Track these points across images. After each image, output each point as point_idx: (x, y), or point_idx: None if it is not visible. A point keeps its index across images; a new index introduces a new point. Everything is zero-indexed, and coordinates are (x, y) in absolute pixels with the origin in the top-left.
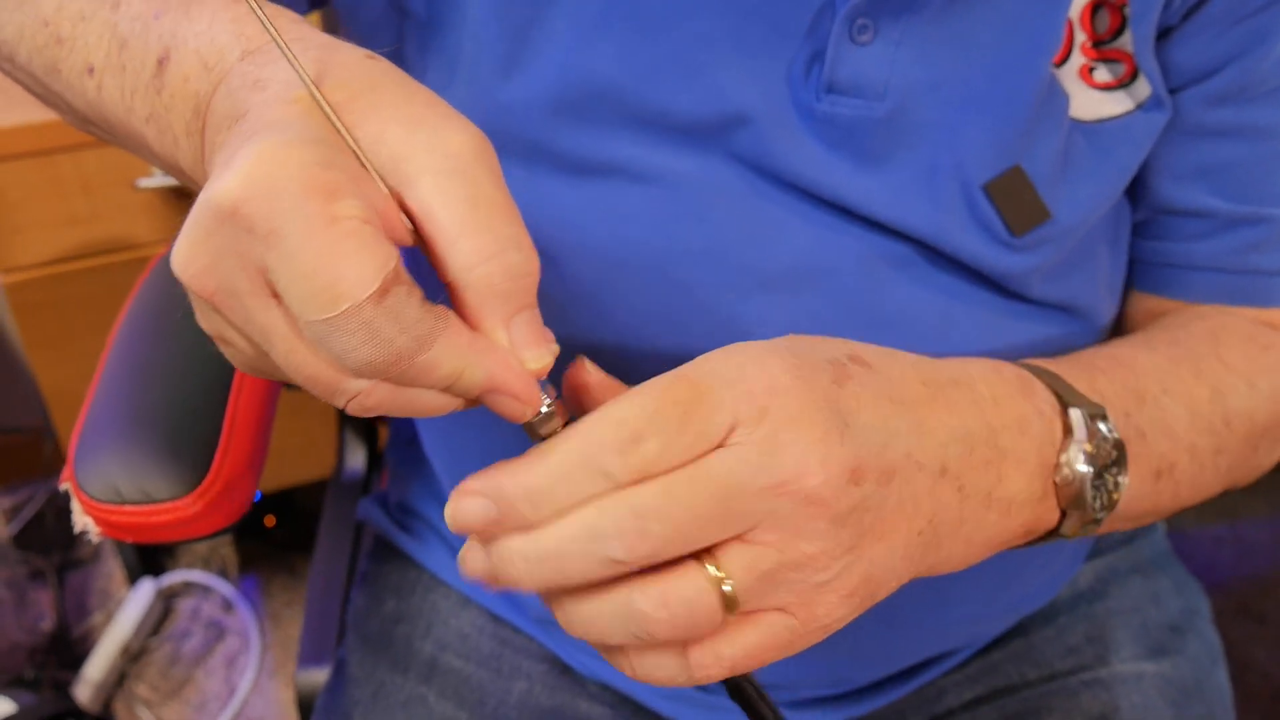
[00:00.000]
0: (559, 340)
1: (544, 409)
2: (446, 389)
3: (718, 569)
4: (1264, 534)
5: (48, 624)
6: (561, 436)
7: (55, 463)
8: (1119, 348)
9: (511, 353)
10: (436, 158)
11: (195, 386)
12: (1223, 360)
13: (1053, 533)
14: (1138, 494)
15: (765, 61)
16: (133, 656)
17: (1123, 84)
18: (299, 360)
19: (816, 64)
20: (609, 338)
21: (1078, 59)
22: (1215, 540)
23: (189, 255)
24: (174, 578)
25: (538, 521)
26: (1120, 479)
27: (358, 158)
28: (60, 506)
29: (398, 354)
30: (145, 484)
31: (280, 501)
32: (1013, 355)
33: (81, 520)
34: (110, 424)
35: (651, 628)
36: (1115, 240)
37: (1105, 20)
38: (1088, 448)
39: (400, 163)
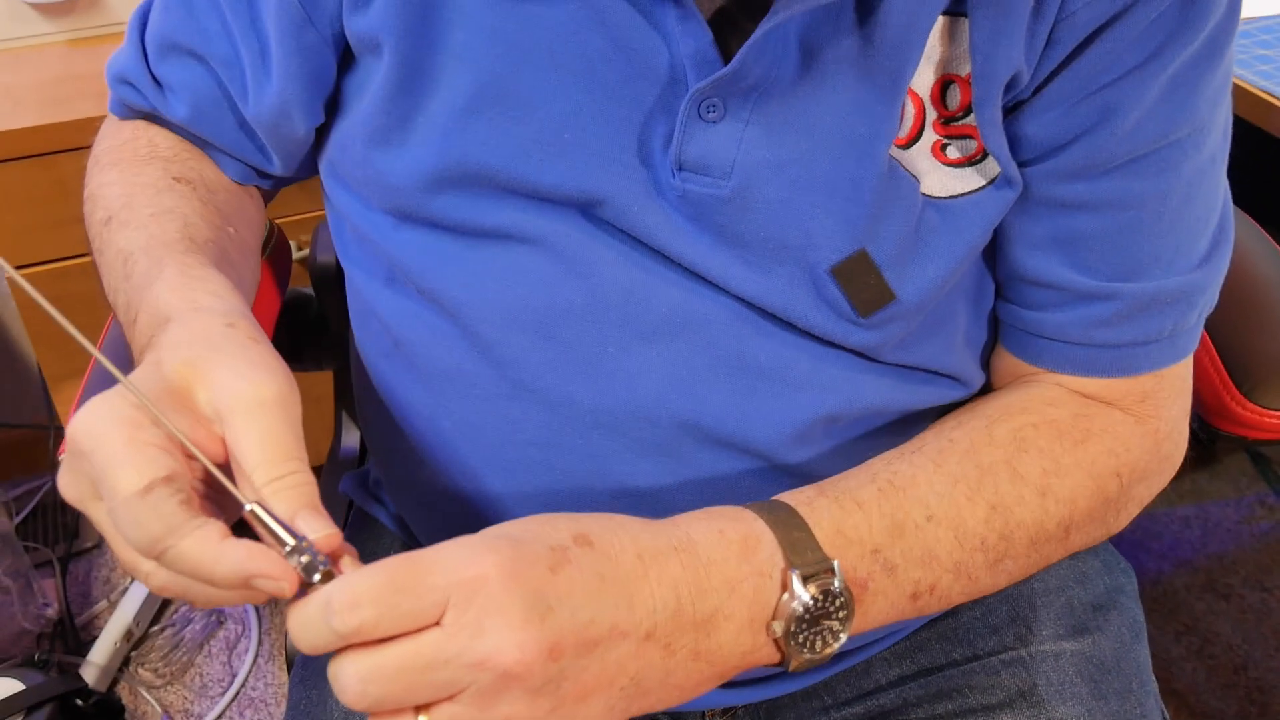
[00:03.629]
0: (469, 387)
1: (316, 577)
2: (210, 580)
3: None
4: (1229, 514)
5: (53, 611)
6: (313, 595)
7: (58, 457)
8: (906, 464)
9: (266, 550)
10: (245, 403)
11: None
12: (1016, 472)
13: (780, 665)
14: (891, 614)
15: (625, 139)
16: (136, 642)
17: (973, 161)
18: (115, 546)
19: (669, 142)
20: (504, 389)
21: (930, 136)
22: (1183, 520)
23: (61, 475)
24: None
25: (303, 650)
26: (842, 631)
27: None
28: (63, 498)
29: (154, 538)
30: None
31: None
32: (884, 410)
33: None
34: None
35: None
36: (977, 301)
37: (956, 96)
38: (804, 602)
39: (219, 405)
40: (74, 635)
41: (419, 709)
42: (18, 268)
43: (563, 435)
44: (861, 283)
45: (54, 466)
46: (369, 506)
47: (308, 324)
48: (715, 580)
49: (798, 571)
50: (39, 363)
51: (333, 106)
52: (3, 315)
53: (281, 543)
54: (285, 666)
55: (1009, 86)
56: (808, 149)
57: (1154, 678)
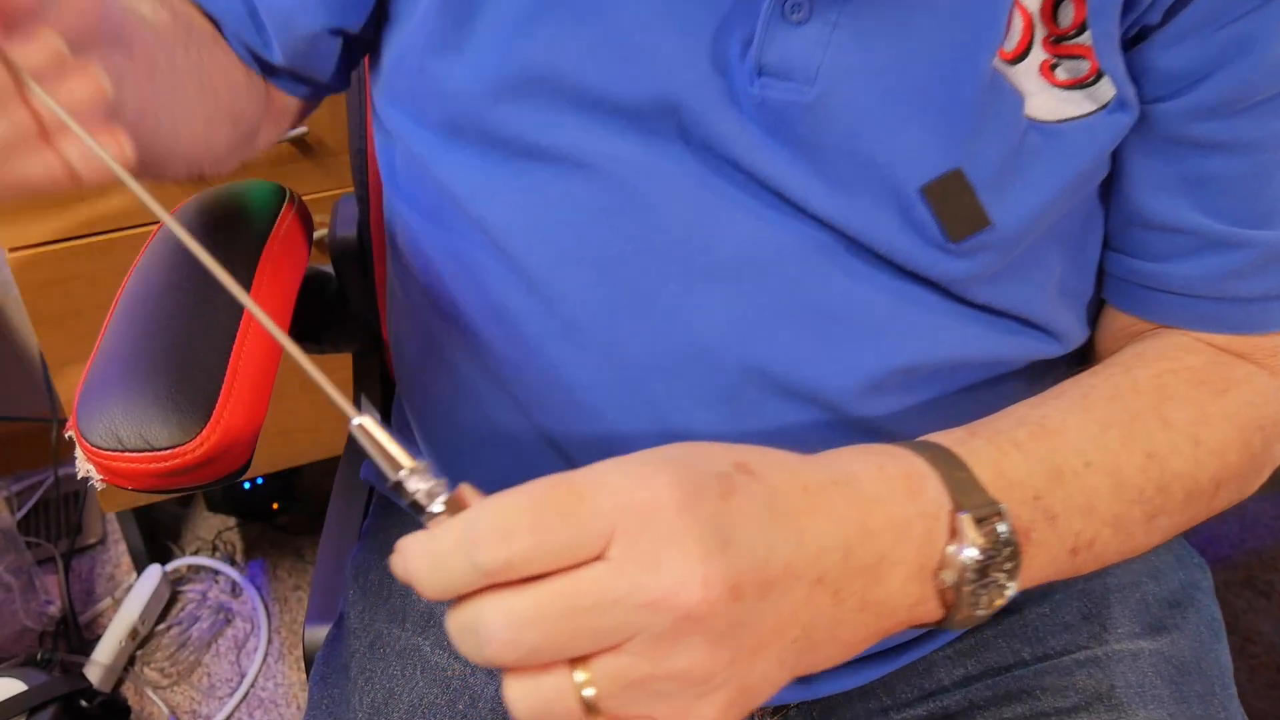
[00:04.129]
0: (515, 325)
1: (439, 505)
2: None
3: (585, 674)
4: (1268, 509)
5: (56, 609)
6: (448, 523)
7: (61, 450)
8: (1052, 408)
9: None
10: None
11: (198, 337)
12: (1165, 418)
13: (939, 624)
14: (1049, 571)
15: (699, 41)
16: (141, 641)
17: (1084, 84)
18: None
19: (749, 45)
20: (553, 327)
21: (1039, 54)
22: (1219, 517)
23: None
24: (181, 563)
25: (433, 597)
26: (1009, 582)
27: None
28: (66, 493)
29: None
30: (146, 431)
31: (285, 486)
32: (967, 361)
33: (84, 467)
34: (114, 372)
35: (514, 711)
36: (1078, 250)
37: (1069, 13)
38: (975, 548)
39: None
40: (77, 634)
41: (574, 662)
42: (16, 249)
43: (615, 379)
44: (955, 204)
45: (57, 461)
46: (391, 494)
47: (327, 303)
48: (881, 520)
49: (968, 514)
50: (42, 353)
51: (382, 18)
52: (4, 307)
53: (394, 464)
54: (300, 665)
55: (1131, 2)
56: (901, 55)
57: (1234, 682)
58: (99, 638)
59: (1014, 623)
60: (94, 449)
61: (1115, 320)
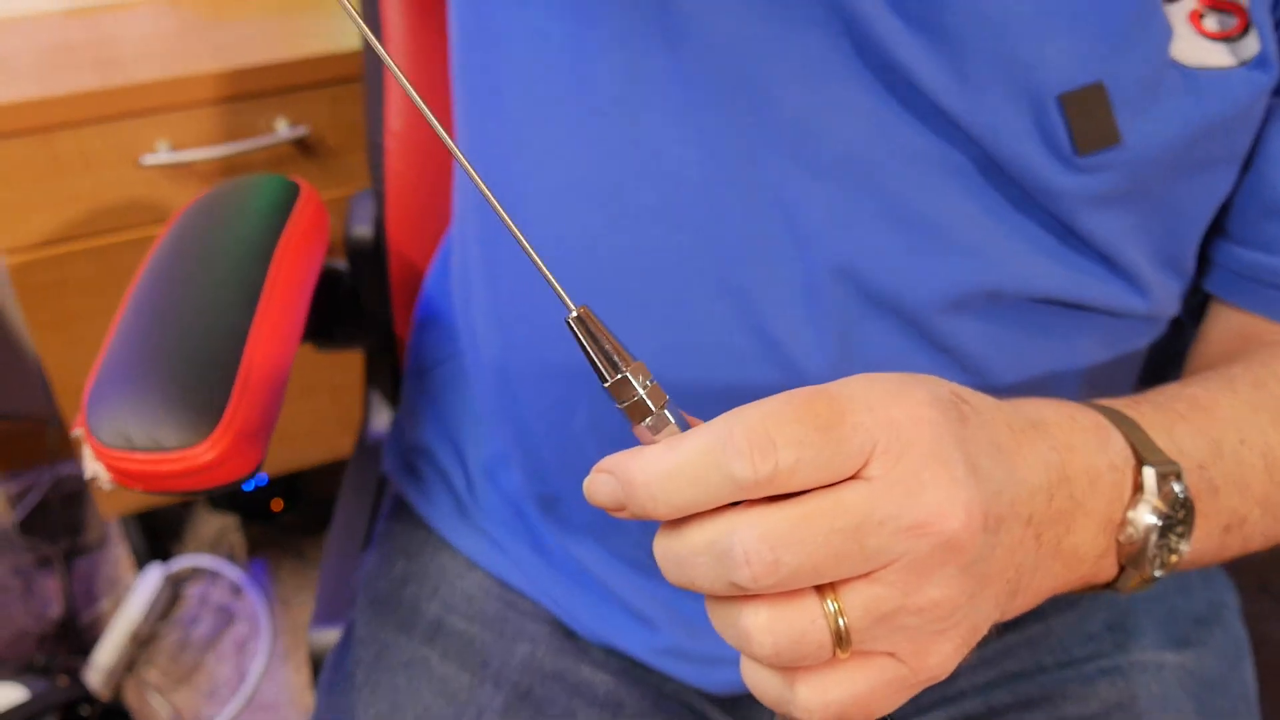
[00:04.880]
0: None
1: (661, 416)
2: None
3: (836, 604)
4: None
5: (55, 611)
6: (693, 432)
7: (60, 449)
8: (1200, 388)
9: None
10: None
11: (211, 336)
12: None
13: (1108, 586)
14: (1204, 547)
15: None
16: (142, 642)
17: (1230, 38)
18: None
19: None
20: (653, 200)
21: (1191, 2)
22: None
23: None
24: (182, 563)
25: (661, 515)
26: (1183, 543)
27: None
28: (66, 493)
29: None
30: (156, 431)
31: (288, 486)
32: (1049, 297)
33: (92, 467)
34: (123, 371)
35: (753, 649)
36: (1186, 221)
37: None
38: (1158, 507)
39: None
40: (77, 636)
41: (822, 589)
42: (18, 249)
43: (704, 263)
44: (1090, 118)
45: (55, 459)
46: (407, 489)
47: (339, 300)
48: (1077, 467)
49: (1153, 469)
50: (40, 353)
51: None
52: (1, 305)
53: (612, 364)
54: (302, 668)
55: None
56: None
57: (1259, 703)
58: (99, 639)
59: (1038, 631)
60: (103, 448)
61: (1228, 321)
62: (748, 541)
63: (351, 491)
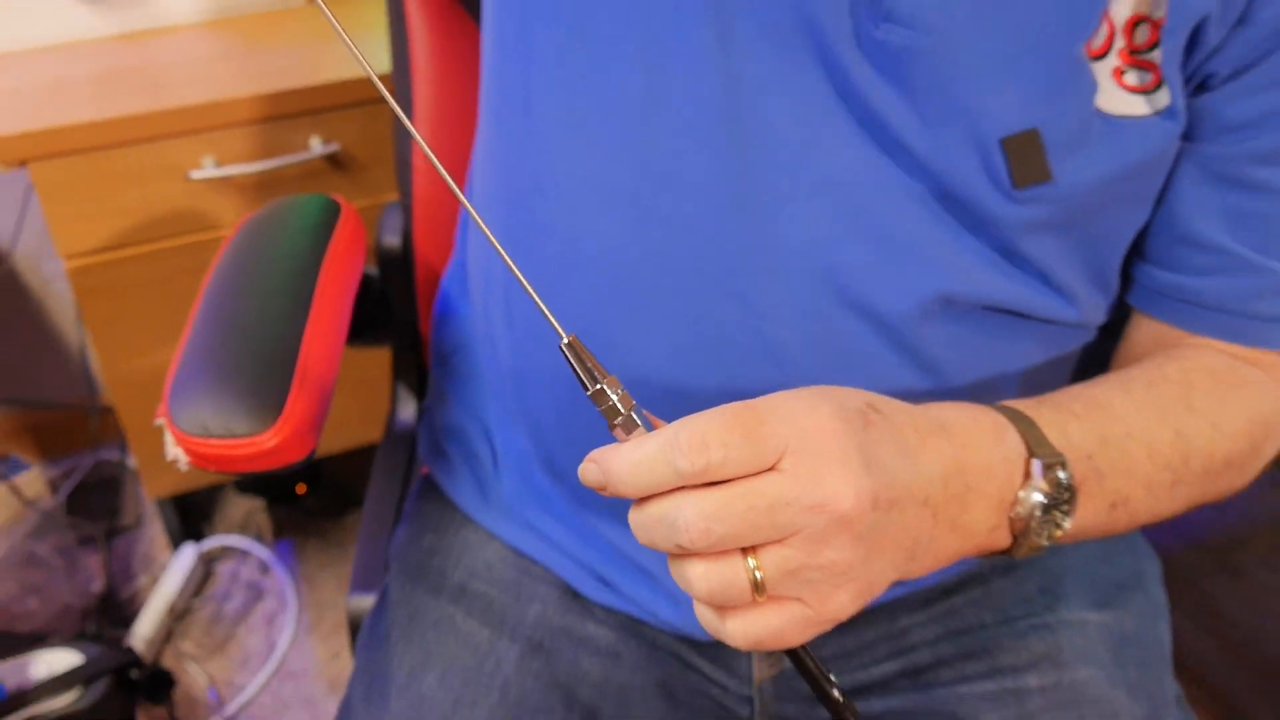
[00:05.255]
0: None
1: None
2: None
3: (755, 561)
4: (1242, 495)
5: (97, 586)
6: (650, 435)
7: (101, 435)
8: (1100, 388)
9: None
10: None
11: (271, 339)
12: (1191, 405)
13: (1006, 551)
14: (1093, 521)
15: None
16: (178, 615)
17: (1147, 91)
18: None
19: None
20: (666, 204)
21: (1114, 60)
22: None
23: None
24: (214, 542)
25: (629, 492)
26: (1066, 520)
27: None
28: (105, 476)
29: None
30: (229, 421)
31: (311, 472)
32: (996, 302)
33: (173, 451)
34: (199, 370)
35: (694, 592)
36: (1109, 246)
37: (1144, 33)
38: (1043, 490)
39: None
40: (118, 610)
41: (745, 551)
42: (77, 254)
43: (710, 268)
44: (1026, 158)
45: (95, 445)
46: (435, 470)
47: (370, 302)
48: (973, 460)
49: (1040, 461)
50: (81, 345)
51: None
52: (45, 300)
53: (592, 378)
54: (326, 639)
55: (1199, 33)
56: (1005, 24)
57: (1172, 658)
58: (138, 613)
59: (980, 594)
60: (183, 435)
61: (1145, 329)
62: (687, 515)
63: (381, 475)
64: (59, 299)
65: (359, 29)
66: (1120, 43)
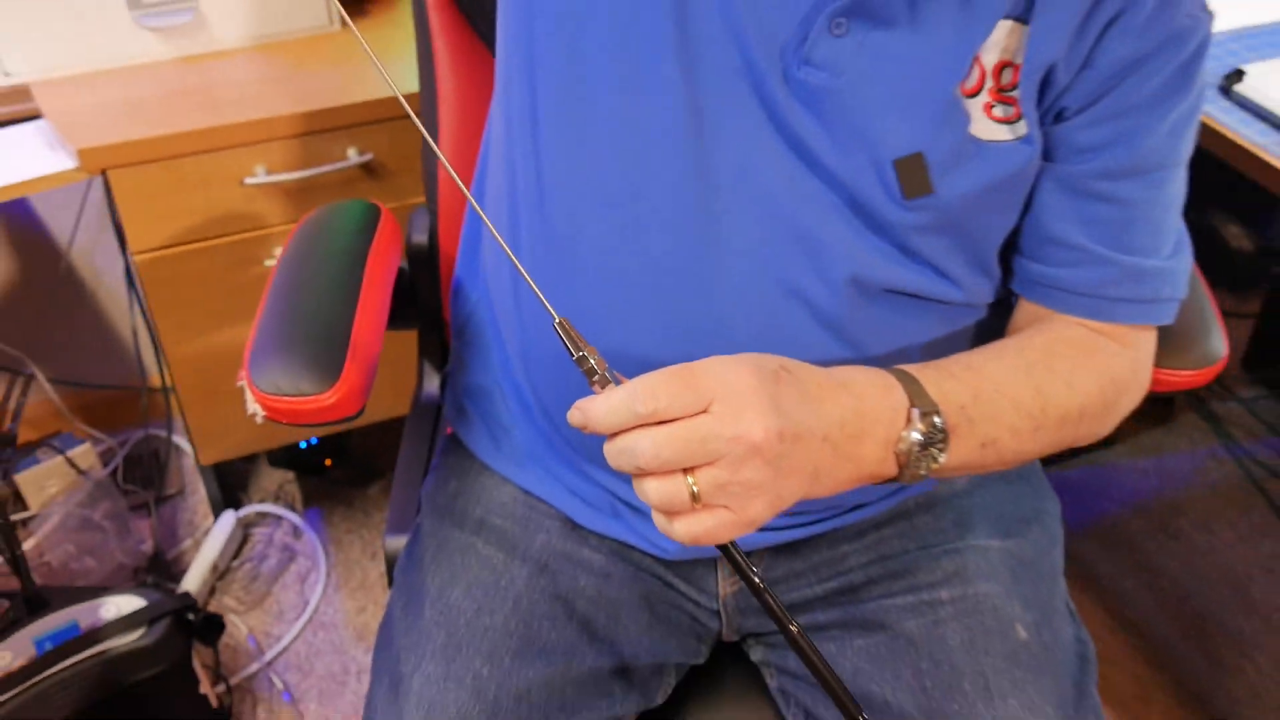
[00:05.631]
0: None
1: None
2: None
3: (693, 479)
4: (1183, 465)
5: (147, 548)
6: (617, 389)
7: (151, 413)
8: (977, 356)
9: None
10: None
11: (329, 320)
12: (1051, 368)
13: (895, 479)
14: (968, 458)
15: (774, 34)
16: (220, 574)
17: (1009, 122)
18: None
19: (804, 42)
20: (646, 208)
21: (985, 97)
22: (1141, 471)
23: None
24: (251, 509)
25: (603, 431)
26: (942, 455)
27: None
28: (153, 450)
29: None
30: (298, 383)
31: (336, 445)
32: (896, 286)
33: (252, 407)
34: (273, 342)
35: (650, 502)
36: (985, 243)
37: (1009, 76)
38: (920, 430)
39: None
40: (165, 569)
41: (685, 471)
42: (147, 249)
43: (686, 260)
44: (912, 175)
45: (145, 421)
46: (457, 427)
47: (401, 291)
48: (866, 407)
49: (918, 410)
50: (135, 329)
51: None
52: (97, 292)
53: (577, 348)
54: (354, 595)
55: (1050, 76)
56: (897, 70)
57: (1064, 579)
58: (183, 573)
59: (905, 526)
60: (262, 394)
61: (1024, 309)
62: (643, 445)
63: (411, 438)
64: (110, 290)
65: (391, 52)
66: (990, 83)
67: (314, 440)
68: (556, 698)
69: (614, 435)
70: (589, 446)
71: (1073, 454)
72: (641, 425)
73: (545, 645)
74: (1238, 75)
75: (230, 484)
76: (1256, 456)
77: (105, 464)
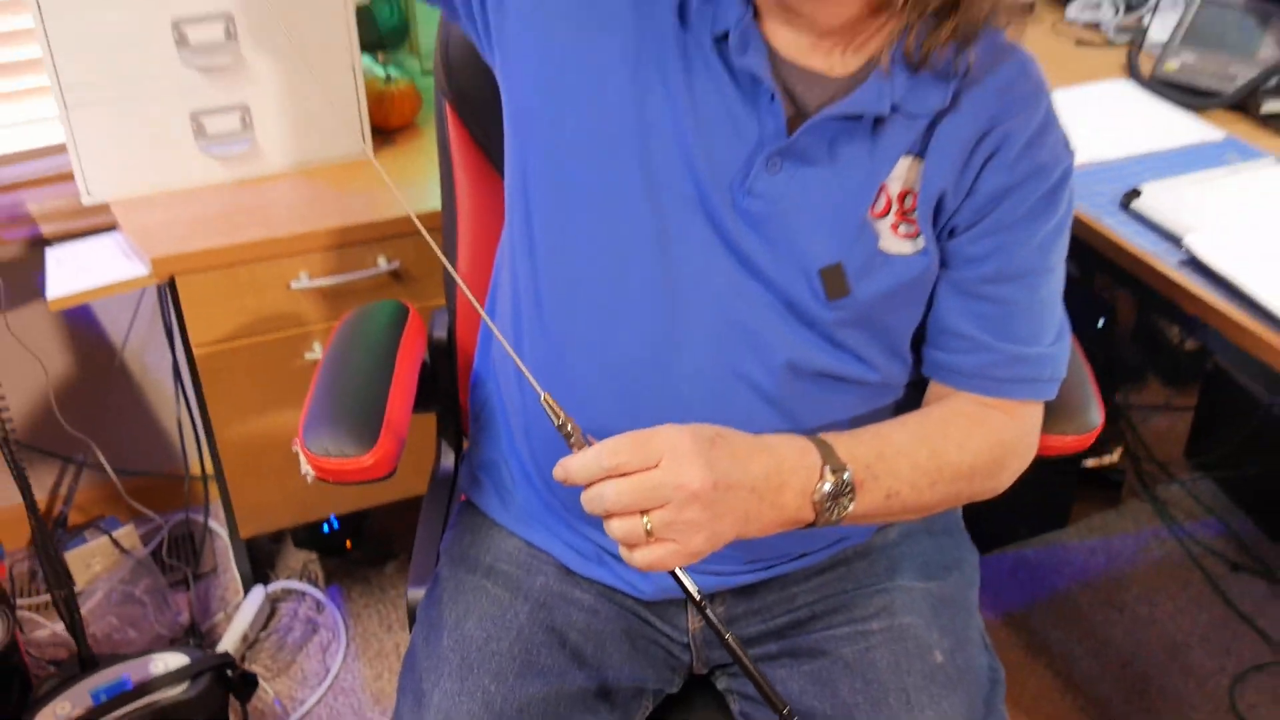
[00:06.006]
0: (604, 316)
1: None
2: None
3: (647, 519)
4: (1129, 545)
5: (184, 620)
6: (588, 449)
7: (192, 498)
8: (885, 425)
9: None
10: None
11: (369, 398)
12: (945, 434)
13: (812, 524)
14: (874, 507)
15: (723, 170)
16: (250, 644)
17: (912, 238)
18: None
19: (746, 178)
20: (621, 307)
21: (892, 218)
22: (1090, 550)
23: None
24: (278, 586)
25: (579, 482)
26: (851, 505)
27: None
28: (189, 533)
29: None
30: (343, 447)
31: (356, 528)
32: (825, 370)
33: (305, 468)
34: (323, 415)
35: (615, 537)
36: (896, 335)
37: (910, 202)
38: (831, 483)
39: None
40: (200, 639)
41: (642, 512)
42: (205, 343)
43: (646, 356)
44: (834, 280)
45: (186, 505)
46: (472, 494)
47: (423, 379)
48: (786, 465)
49: (829, 467)
50: (180, 420)
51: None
52: (144, 386)
53: (558, 418)
54: (372, 663)
55: (942, 201)
56: (820, 199)
57: (979, 616)
58: (217, 643)
59: (845, 571)
60: (313, 456)
61: (933, 388)
62: (608, 492)
63: (429, 506)
64: (156, 385)
65: (417, 174)
66: (895, 207)
67: (335, 524)
68: (552, 711)
69: (588, 485)
70: (579, 507)
71: (1029, 534)
72: (608, 477)
73: (543, 668)
74: (1135, 193)
75: (260, 562)
76: (1195, 536)
77: (146, 544)
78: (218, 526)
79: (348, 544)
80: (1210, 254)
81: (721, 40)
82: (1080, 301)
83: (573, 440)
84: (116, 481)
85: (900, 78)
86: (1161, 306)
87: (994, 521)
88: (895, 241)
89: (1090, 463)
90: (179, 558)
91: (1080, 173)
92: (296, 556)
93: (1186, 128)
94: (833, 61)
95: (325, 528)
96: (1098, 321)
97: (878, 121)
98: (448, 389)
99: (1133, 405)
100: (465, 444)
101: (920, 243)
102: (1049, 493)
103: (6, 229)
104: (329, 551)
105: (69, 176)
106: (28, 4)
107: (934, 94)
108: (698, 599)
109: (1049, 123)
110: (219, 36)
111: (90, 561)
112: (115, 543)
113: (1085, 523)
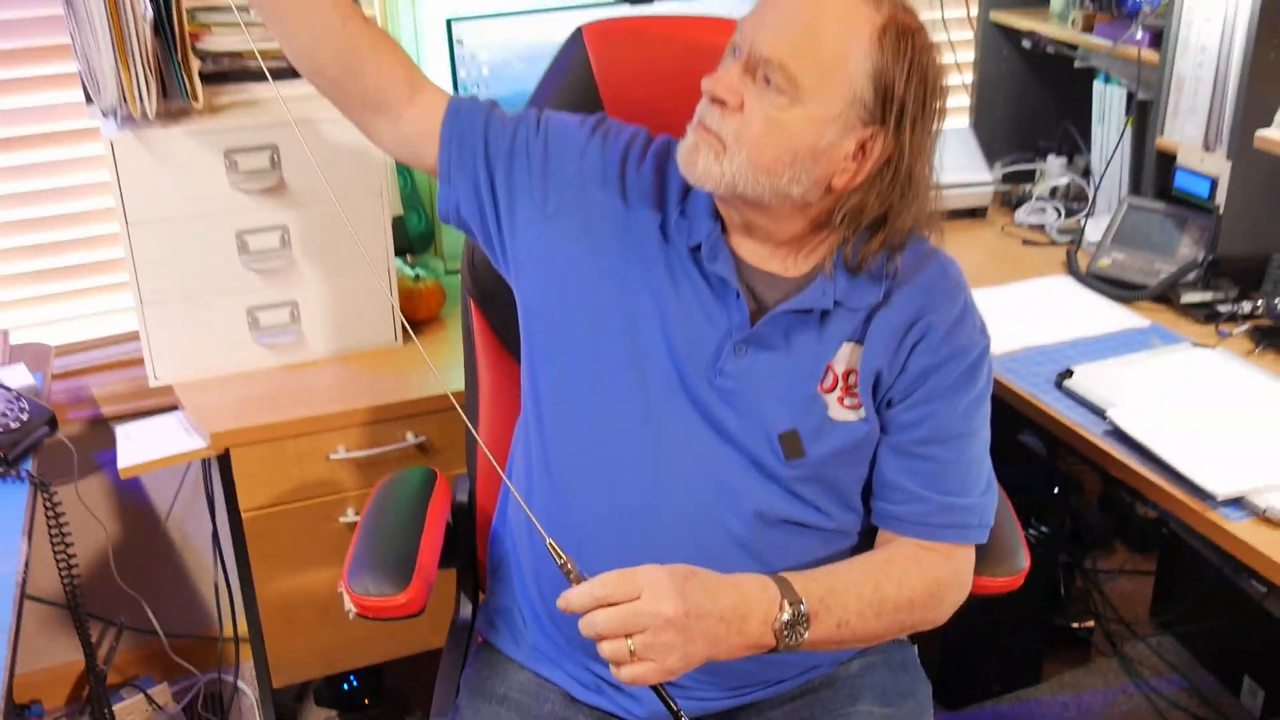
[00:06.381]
0: (607, 469)
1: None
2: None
3: (630, 641)
4: (1098, 700)
5: None
6: (584, 584)
7: (225, 658)
8: (837, 566)
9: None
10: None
11: (402, 548)
12: (887, 573)
13: (774, 649)
14: (827, 634)
15: (699, 354)
16: None
17: (855, 409)
18: None
19: (718, 360)
20: (609, 468)
21: (838, 392)
22: (1062, 705)
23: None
24: None
25: (576, 611)
26: (806, 633)
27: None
28: (217, 691)
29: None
30: (381, 588)
31: (373, 686)
32: (785, 518)
33: (348, 605)
34: (364, 561)
35: (605, 655)
36: (846, 489)
37: (853, 379)
38: (789, 614)
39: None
40: None
41: (626, 635)
42: (253, 509)
43: (637, 514)
44: (791, 443)
45: (218, 665)
46: (489, 635)
47: (446, 538)
48: (750, 599)
49: (787, 600)
50: (216, 584)
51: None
52: (184, 554)
53: (561, 559)
54: None
55: (879, 378)
56: (780, 377)
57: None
58: None
59: (812, 698)
60: (355, 595)
61: (881, 534)
62: (599, 619)
63: (450, 648)
64: (196, 552)
65: (443, 360)
66: (840, 383)
67: (355, 681)
68: None
69: (584, 614)
70: (582, 644)
71: (1004, 691)
72: (599, 606)
73: None
74: (1068, 373)
75: (285, 718)
76: (1161, 691)
77: (178, 701)
78: (245, 686)
79: (366, 700)
80: (1130, 425)
81: (696, 250)
82: (1042, 473)
83: (572, 576)
84: (164, 640)
85: (841, 279)
86: (1127, 482)
87: (970, 679)
88: (841, 411)
89: (1059, 621)
90: (211, 710)
91: (1021, 356)
92: (318, 714)
93: (1117, 317)
94: (787, 265)
95: (345, 685)
96: (1054, 489)
97: (824, 314)
98: (468, 546)
99: (1100, 569)
100: (481, 595)
101: (862, 412)
102: (1021, 651)
103: (75, 408)
104: (348, 708)
105: (137, 361)
106: (115, 214)
107: (869, 292)
108: (677, 712)
109: (966, 312)
110: (275, 244)
111: (126, 718)
112: (150, 699)
113: (1056, 680)
